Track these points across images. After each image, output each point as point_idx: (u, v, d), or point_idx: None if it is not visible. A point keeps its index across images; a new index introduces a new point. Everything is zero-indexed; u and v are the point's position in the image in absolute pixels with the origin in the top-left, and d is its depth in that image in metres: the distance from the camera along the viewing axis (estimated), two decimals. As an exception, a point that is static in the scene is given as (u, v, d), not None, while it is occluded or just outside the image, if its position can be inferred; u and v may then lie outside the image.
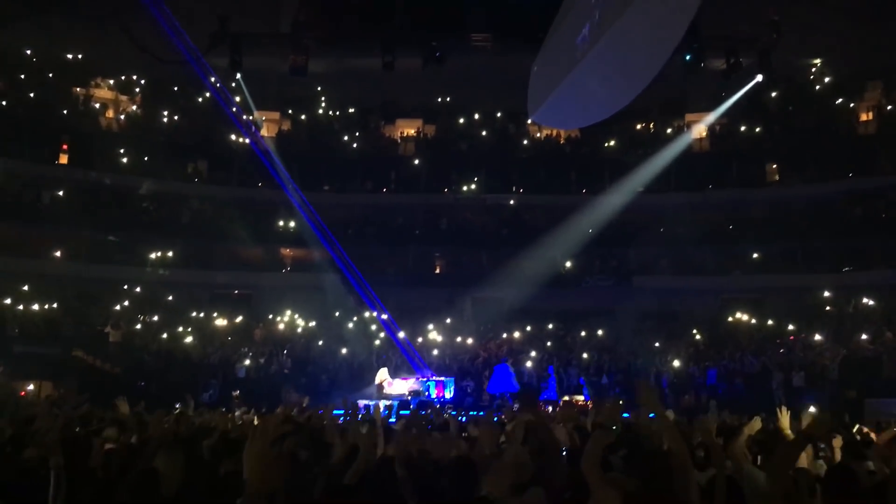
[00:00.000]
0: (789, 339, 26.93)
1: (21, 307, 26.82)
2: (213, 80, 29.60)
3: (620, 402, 6.66)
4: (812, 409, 14.66)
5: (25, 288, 27.73)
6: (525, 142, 37.10)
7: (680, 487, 3.76)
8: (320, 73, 30.57)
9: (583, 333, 29.19)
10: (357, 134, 36.96)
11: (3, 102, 31.62)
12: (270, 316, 30.74)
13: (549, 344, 28.22)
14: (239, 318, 30.30)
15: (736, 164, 34.76)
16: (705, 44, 22.24)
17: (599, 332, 29.01)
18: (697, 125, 35.04)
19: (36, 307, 27.24)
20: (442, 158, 36.29)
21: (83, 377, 23.28)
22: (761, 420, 7.87)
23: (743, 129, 35.33)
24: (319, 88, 36.76)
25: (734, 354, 25.88)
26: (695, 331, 28.92)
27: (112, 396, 11.71)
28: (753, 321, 29.45)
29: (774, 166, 35.30)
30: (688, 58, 21.85)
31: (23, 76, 33.20)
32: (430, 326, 29.20)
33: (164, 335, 27.68)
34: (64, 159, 32.92)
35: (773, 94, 35.31)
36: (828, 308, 29.40)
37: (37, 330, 26.12)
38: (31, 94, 32.53)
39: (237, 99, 32.35)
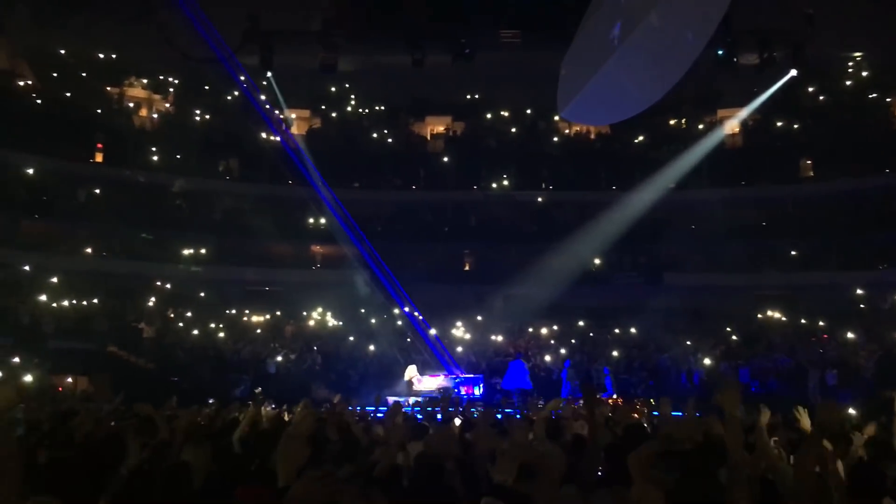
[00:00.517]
0: (823, 337, 26.53)
1: (56, 303, 27.28)
2: (243, 78, 29.82)
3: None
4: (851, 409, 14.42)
5: (60, 284, 28.19)
6: (554, 138, 36.95)
7: (731, 487, 3.72)
8: (350, 71, 30.64)
9: (616, 331, 29.00)
10: (386, 131, 37.08)
11: (39, 101, 32.17)
12: (301, 312, 30.95)
13: (573, 341, 28.10)
14: (269, 315, 30.55)
15: (769, 160, 34.27)
16: (738, 38, 21.93)
17: (629, 330, 28.81)
18: (730, 120, 34.59)
19: (71, 303, 27.69)
20: (471, 155, 36.27)
21: (117, 372, 23.60)
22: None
23: (777, 124, 34.85)
24: (349, 86, 36.94)
25: (767, 352, 25.56)
26: (727, 328, 28.60)
27: (145, 392, 11.87)
28: (786, 319, 29.07)
29: (808, 162, 34.79)
30: (720, 52, 21.57)
31: (57, 76, 33.72)
32: (459, 323, 29.20)
33: (196, 331, 27.99)
34: (99, 157, 33.40)
35: (808, 89, 34.76)
36: (862, 305, 28.93)
37: (72, 325, 26.53)
38: (67, 94, 33.03)
39: (267, 97, 32.58)
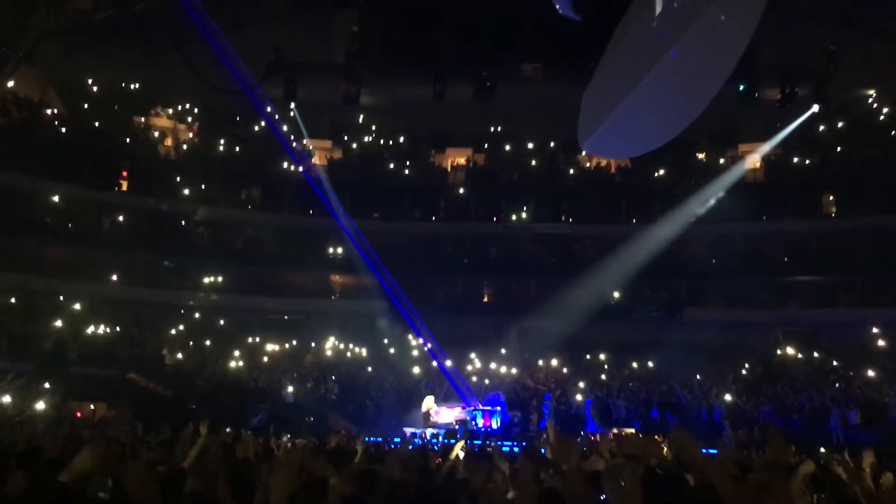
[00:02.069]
0: (848, 375, 26.14)
1: (79, 329, 27.49)
2: (267, 109, 30.22)
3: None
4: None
5: (83, 311, 28.43)
6: (575, 171, 36.96)
7: None
8: (372, 103, 31.03)
9: (634, 365, 28.76)
10: (407, 162, 37.28)
11: (66, 130, 32.71)
12: (319, 342, 30.97)
13: (602, 376, 27.91)
14: (288, 344, 30.60)
15: (791, 195, 34.10)
16: (760, 73, 22.04)
17: (649, 365, 28.56)
18: (751, 155, 34.50)
19: (93, 329, 27.89)
20: (491, 187, 36.37)
21: (136, 400, 23.69)
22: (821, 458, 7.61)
23: (798, 159, 34.69)
24: (370, 117, 37.23)
25: (788, 390, 25.22)
26: (747, 364, 28.28)
27: (163, 419, 11.90)
28: (807, 355, 28.70)
29: (831, 198, 34.57)
30: (742, 87, 21.70)
31: (85, 105, 34.32)
32: (477, 355, 29.09)
33: (216, 359, 28.06)
34: (124, 186, 33.86)
35: (830, 125, 34.61)
36: (882, 343, 28.52)
37: (94, 352, 26.69)
38: (94, 123, 33.56)
39: (290, 128, 32.91)
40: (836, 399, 23.89)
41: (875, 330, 28.96)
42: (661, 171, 35.39)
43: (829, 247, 33.06)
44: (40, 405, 20.52)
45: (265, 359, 29.18)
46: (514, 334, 31.39)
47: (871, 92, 33.83)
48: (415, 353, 29.60)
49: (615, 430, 21.78)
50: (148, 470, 5.35)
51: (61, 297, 28.82)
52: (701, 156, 36.21)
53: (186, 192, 34.11)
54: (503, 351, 29.81)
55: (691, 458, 4.06)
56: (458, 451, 8.41)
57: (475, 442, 17.31)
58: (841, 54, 22.45)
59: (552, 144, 37.56)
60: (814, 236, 33.46)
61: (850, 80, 27.75)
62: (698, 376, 26.68)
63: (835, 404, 23.45)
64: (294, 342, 31.01)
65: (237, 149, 36.35)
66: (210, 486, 5.08)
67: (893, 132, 33.56)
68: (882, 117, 34.17)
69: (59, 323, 27.05)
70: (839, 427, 22.57)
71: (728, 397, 24.95)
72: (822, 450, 15.70)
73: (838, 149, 34.33)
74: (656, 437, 17.47)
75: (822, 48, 22.46)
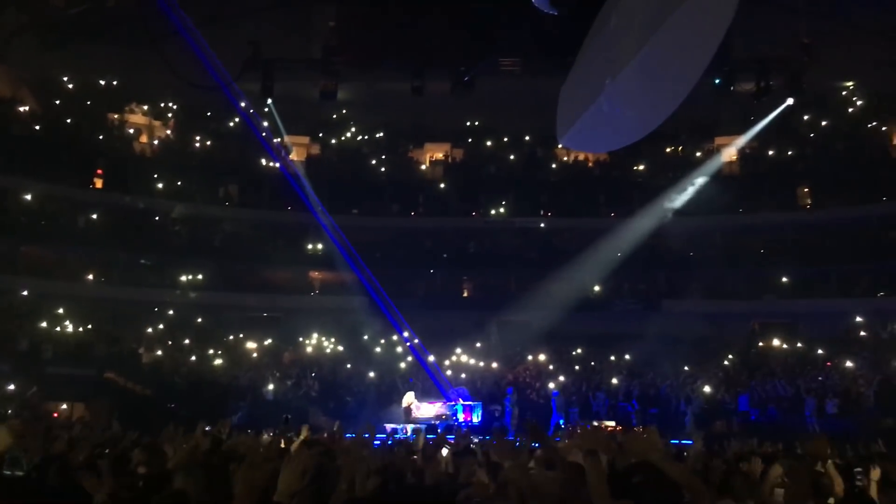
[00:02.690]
0: (826, 365, 26.45)
1: (55, 329, 27.20)
2: (244, 105, 30.02)
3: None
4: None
5: (59, 310, 28.14)
6: (553, 165, 37.09)
7: None
8: (350, 98, 30.87)
9: (612, 358, 28.92)
10: (385, 158, 37.22)
11: (40, 127, 32.33)
12: (299, 339, 30.86)
13: (576, 368, 28.04)
14: (268, 341, 30.46)
15: (767, 188, 34.43)
16: (735, 66, 22.15)
17: (627, 357, 28.72)
18: (727, 148, 34.78)
19: (69, 329, 27.62)
20: (470, 182, 36.42)
21: (115, 399, 23.49)
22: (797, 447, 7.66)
23: (774, 152, 35.03)
24: (348, 113, 37.09)
25: (766, 380, 25.47)
26: (726, 356, 28.53)
27: (143, 418, 11.80)
28: (786, 346, 29.01)
29: (806, 189, 34.94)
30: (717, 81, 21.79)
31: (58, 102, 33.92)
32: (458, 350, 29.12)
33: (195, 357, 27.88)
34: (99, 183, 33.51)
35: (805, 117, 34.95)
36: (862, 333, 28.89)
37: (70, 351, 26.43)
38: (67, 120, 33.20)
39: (268, 124, 32.73)
40: (812, 389, 24.14)
41: (858, 319, 29.32)
42: (640, 165, 35.61)
43: (806, 238, 33.40)
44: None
45: (244, 356, 29.01)
46: (494, 328, 31.44)
47: (847, 84, 34.18)
48: (395, 348, 29.56)
49: (594, 423, 21.91)
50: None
51: (37, 297, 28.51)
52: (678, 149, 36.44)
53: (163, 188, 33.84)
54: (478, 345, 29.80)
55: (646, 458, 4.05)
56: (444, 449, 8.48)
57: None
58: (816, 46, 22.58)
59: (530, 139, 37.64)
60: (790, 228, 33.78)
61: (825, 73, 27.93)
62: (679, 368, 26.85)
63: (811, 394, 23.70)
64: (273, 339, 30.85)
65: (214, 145, 36.12)
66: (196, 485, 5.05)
67: (868, 123, 33.96)
68: (857, 109, 34.54)
69: (34, 323, 26.77)
70: (814, 416, 22.83)
71: (707, 389, 25.14)
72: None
73: (814, 141, 34.72)
74: (635, 429, 17.66)
75: (797, 41, 22.58)
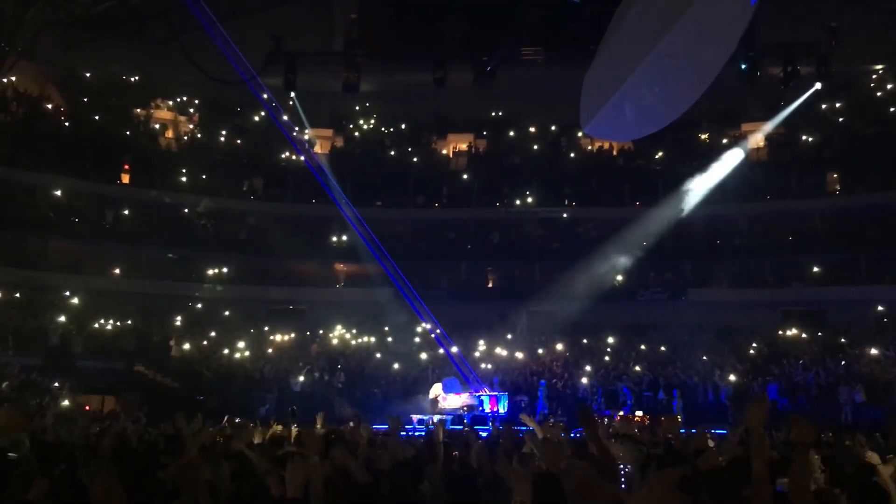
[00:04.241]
0: (854, 353, 26.09)
1: (84, 323, 27.57)
2: (267, 98, 30.14)
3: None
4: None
5: (89, 304, 28.51)
6: (577, 154, 36.85)
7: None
8: (372, 90, 30.90)
9: (643, 347, 28.73)
10: (409, 149, 37.21)
11: (67, 124, 32.71)
12: (325, 331, 31.02)
13: (605, 358, 27.90)
14: (294, 333, 30.66)
15: (795, 174, 34.00)
16: (762, 52, 21.89)
17: (655, 347, 28.54)
18: (754, 135, 34.30)
19: (99, 323, 27.97)
20: (494, 172, 36.30)
21: (144, 392, 23.78)
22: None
23: (802, 138, 34.50)
24: (371, 105, 37.14)
25: (794, 369, 25.20)
26: (753, 344, 28.27)
27: (172, 411, 11.89)
28: (813, 334, 28.66)
29: (835, 175, 34.38)
30: (743, 66, 21.54)
31: (86, 99, 34.31)
32: (483, 341, 29.10)
33: (222, 350, 28.14)
34: (125, 179, 33.87)
35: (833, 102, 34.42)
36: (888, 320, 28.45)
37: (100, 345, 26.79)
38: (94, 116, 33.57)
39: (290, 117, 32.85)
40: (842, 377, 23.85)
41: (881, 308, 28.90)
42: (664, 153, 35.26)
43: (834, 225, 32.97)
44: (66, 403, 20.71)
45: (271, 349, 29.23)
46: (520, 319, 31.37)
47: (877, 67, 33.62)
48: (420, 339, 29.61)
49: (621, 413, 21.85)
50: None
51: (66, 292, 28.90)
52: (703, 136, 36.04)
53: (188, 183, 34.13)
54: (509, 336, 29.76)
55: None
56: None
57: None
58: (843, 30, 22.24)
59: (554, 128, 37.45)
60: (818, 215, 33.35)
61: (853, 57, 27.53)
62: (704, 357, 26.65)
63: (842, 382, 23.41)
64: (299, 331, 31.03)
65: (238, 139, 36.34)
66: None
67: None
68: (885, 93, 33.95)
69: (63, 317, 27.14)
70: (848, 405, 22.56)
71: (733, 377, 24.93)
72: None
73: (841, 127, 34.18)
74: (662, 418, 17.57)
75: (824, 25, 22.25)
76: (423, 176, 36.31)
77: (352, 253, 32.78)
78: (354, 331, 31.00)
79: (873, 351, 25.24)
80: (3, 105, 31.11)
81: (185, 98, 36.75)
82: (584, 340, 29.44)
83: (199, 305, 31.98)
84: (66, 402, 20.78)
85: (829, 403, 22.96)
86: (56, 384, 22.56)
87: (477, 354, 28.28)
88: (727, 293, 31.50)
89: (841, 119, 34.61)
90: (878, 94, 34.17)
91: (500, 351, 28.69)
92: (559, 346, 28.96)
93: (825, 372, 24.49)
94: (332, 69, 25.03)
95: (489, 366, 27.40)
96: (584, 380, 25.73)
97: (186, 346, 27.88)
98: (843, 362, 25.20)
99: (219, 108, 36.54)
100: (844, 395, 22.86)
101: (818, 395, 23.78)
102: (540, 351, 29.00)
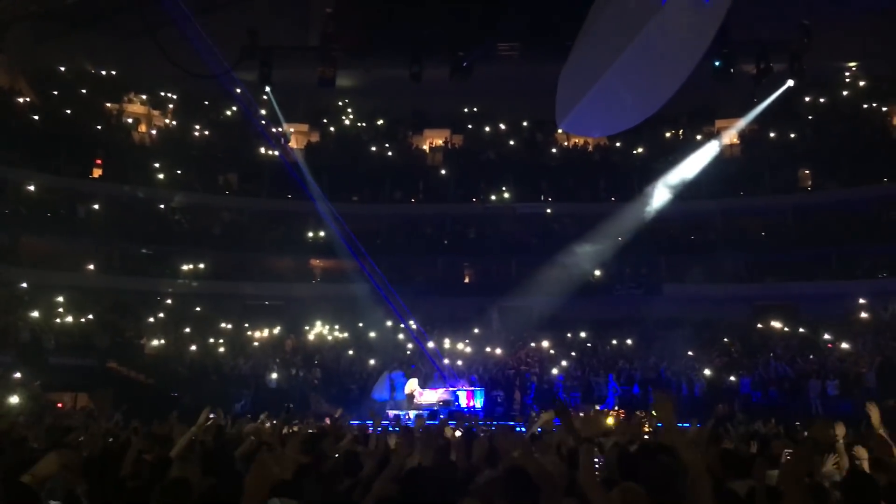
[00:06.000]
0: (827, 347, 26.45)
1: (57, 319, 27.24)
2: (240, 91, 29.93)
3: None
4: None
5: (61, 300, 28.17)
6: (553, 150, 36.99)
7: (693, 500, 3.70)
8: (348, 85, 30.80)
9: (613, 342, 28.93)
10: (385, 144, 37.14)
11: (39, 118, 32.26)
12: (301, 327, 30.89)
13: (573, 354, 28.02)
14: (269, 330, 30.50)
15: (768, 170, 34.34)
16: (735, 49, 22.01)
17: (629, 341, 28.74)
18: (728, 131, 34.62)
19: (71, 319, 27.65)
20: (470, 168, 36.33)
21: (118, 388, 23.54)
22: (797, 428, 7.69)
23: (774, 134, 34.87)
24: (347, 100, 37.02)
25: (767, 363, 25.50)
26: (727, 339, 28.55)
27: (146, 407, 11.84)
28: (787, 329, 29.03)
29: (807, 172, 34.85)
30: (717, 63, 21.65)
31: (57, 92, 33.83)
32: (460, 336, 29.14)
33: (196, 346, 27.93)
34: (98, 173, 33.50)
35: (805, 99, 34.85)
36: (863, 315, 28.89)
37: (72, 342, 26.47)
38: (66, 110, 33.11)
39: (266, 112, 32.66)
40: (813, 371, 24.16)
41: (861, 301, 29.30)
42: (640, 149, 35.50)
43: (806, 221, 33.37)
44: (14, 400, 20.10)
45: (247, 345, 29.07)
46: (496, 314, 31.44)
47: (849, 65, 34.05)
48: (397, 335, 29.60)
49: (596, 408, 21.96)
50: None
51: (38, 287, 28.54)
52: (678, 132, 36.34)
53: (162, 178, 33.81)
54: (479, 331, 29.81)
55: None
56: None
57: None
58: (816, 28, 22.45)
59: (530, 124, 37.56)
60: (790, 210, 33.74)
61: (825, 55, 27.83)
62: (679, 352, 26.87)
63: (814, 376, 23.72)
64: (275, 327, 30.89)
65: (213, 134, 36.05)
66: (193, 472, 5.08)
67: (868, 105, 33.85)
68: (857, 90, 34.41)
69: (35, 313, 26.79)
70: (818, 398, 22.87)
71: (708, 372, 25.17)
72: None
73: (814, 123, 34.59)
74: (637, 413, 17.68)
75: (797, 22, 22.44)
76: (400, 171, 36.26)
77: (328, 248, 32.68)
78: (330, 327, 30.91)
79: (844, 345, 25.60)
80: (-27, 99, 30.64)
81: (159, 92, 36.38)
82: (561, 335, 29.55)
83: (174, 301, 31.69)
84: (14, 398, 20.12)
85: (800, 397, 23.28)
86: (17, 375, 22.04)
87: (449, 348, 28.24)
88: (701, 288, 31.77)
89: (813, 116, 35.04)
90: (850, 91, 34.63)
91: (476, 346, 28.72)
92: (533, 343, 29.05)
93: (796, 366, 24.80)
94: (308, 64, 24.87)
95: (459, 362, 27.41)
96: (555, 371, 25.89)
97: (160, 342, 27.65)
98: (811, 356, 25.55)
99: (193, 102, 36.26)
100: (815, 389, 23.18)
101: (790, 388, 24.07)
102: (528, 344, 29.08)
